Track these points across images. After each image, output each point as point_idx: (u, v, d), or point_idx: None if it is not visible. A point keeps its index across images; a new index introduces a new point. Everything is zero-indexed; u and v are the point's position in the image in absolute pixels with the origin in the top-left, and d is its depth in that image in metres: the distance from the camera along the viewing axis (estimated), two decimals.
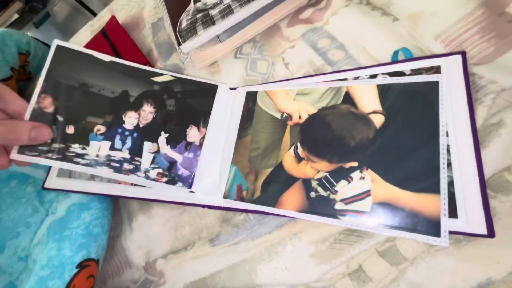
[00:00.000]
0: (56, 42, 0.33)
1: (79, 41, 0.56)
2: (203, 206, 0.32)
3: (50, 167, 0.38)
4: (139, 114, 0.33)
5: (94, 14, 1.46)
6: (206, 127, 0.33)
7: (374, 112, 0.26)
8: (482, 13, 0.26)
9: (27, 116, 0.30)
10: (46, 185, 0.37)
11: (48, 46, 0.66)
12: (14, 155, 0.28)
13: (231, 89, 0.36)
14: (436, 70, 0.25)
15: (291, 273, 0.26)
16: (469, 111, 0.23)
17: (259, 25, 0.37)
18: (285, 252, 0.27)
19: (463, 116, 0.23)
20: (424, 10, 0.28)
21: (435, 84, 0.24)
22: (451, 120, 0.23)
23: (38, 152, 0.30)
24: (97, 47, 0.48)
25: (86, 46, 0.50)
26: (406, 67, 0.26)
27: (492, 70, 0.24)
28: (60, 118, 0.31)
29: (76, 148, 0.31)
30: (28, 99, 0.59)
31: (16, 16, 1.30)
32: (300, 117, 0.30)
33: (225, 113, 0.34)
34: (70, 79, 0.33)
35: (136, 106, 0.33)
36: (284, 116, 0.30)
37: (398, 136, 0.24)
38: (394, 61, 0.28)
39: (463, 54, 0.24)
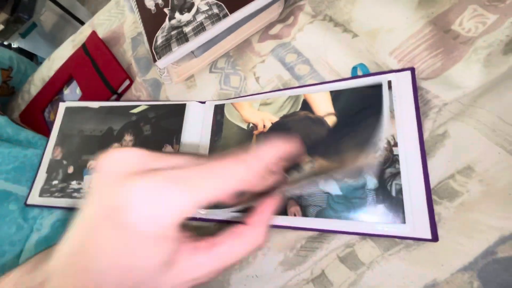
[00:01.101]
0: (64, 105, 0.42)
1: (61, 56, 0.57)
2: None
3: (32, 183, 0.39)
4: (121, 144, 0.37)
5: (82, 23, 1.46)
6: (179, 144, 0.34)
7: (328, 114, 0.28)
8: (430, 30, 0.27)
9: (43, 166, 0.39)
10: (29, 202, 0.38)
11: (32, 58, 0.67)
12: None
13: (201, 102, 0.37)
14: (388, 85, 0.26)
15: (260, 279, 0.27)
16: (417, 124, 0.24)
17: (232, 40, 0.39)
18: (256, 261, 0.28)
19: (412, 128, 0.24)
20: (381, 27, 0.30)
21: (379, 86, 0.27)
22: (401, 132, 0.25)
23: (50, 193, 0.37)
24: (77, 63, 0.49)
25: (67, 62, 0.51)
26: (362, 82, 0.28)
27: (437, 84, 0.25)
28: (64, 162, 0.39)
29: (74, 184, 0.37)
30: (11, 114, 0.59)
31: (1, 27, 1.30)
32: (264, 126, 0.32)
33: (197, 127, 0.36)
34: (72, 129, 0.41)
35: (119, 138, 0.38)
36: (250, 126, 0.32)
37: (347, 132, 0.27)
38: (353, 76, 0.29)
39: (412, 70, 0.26)
